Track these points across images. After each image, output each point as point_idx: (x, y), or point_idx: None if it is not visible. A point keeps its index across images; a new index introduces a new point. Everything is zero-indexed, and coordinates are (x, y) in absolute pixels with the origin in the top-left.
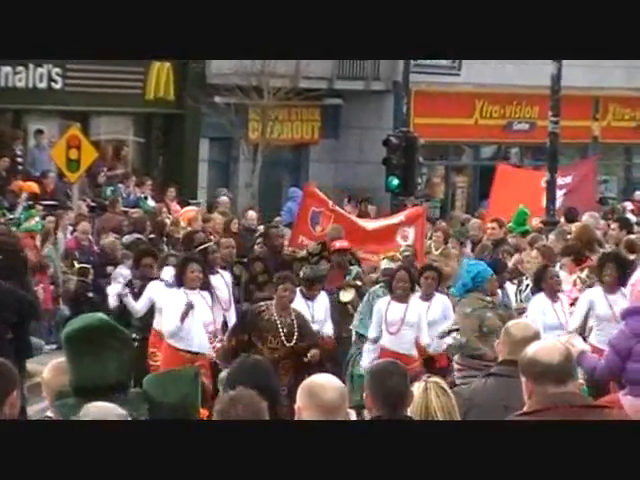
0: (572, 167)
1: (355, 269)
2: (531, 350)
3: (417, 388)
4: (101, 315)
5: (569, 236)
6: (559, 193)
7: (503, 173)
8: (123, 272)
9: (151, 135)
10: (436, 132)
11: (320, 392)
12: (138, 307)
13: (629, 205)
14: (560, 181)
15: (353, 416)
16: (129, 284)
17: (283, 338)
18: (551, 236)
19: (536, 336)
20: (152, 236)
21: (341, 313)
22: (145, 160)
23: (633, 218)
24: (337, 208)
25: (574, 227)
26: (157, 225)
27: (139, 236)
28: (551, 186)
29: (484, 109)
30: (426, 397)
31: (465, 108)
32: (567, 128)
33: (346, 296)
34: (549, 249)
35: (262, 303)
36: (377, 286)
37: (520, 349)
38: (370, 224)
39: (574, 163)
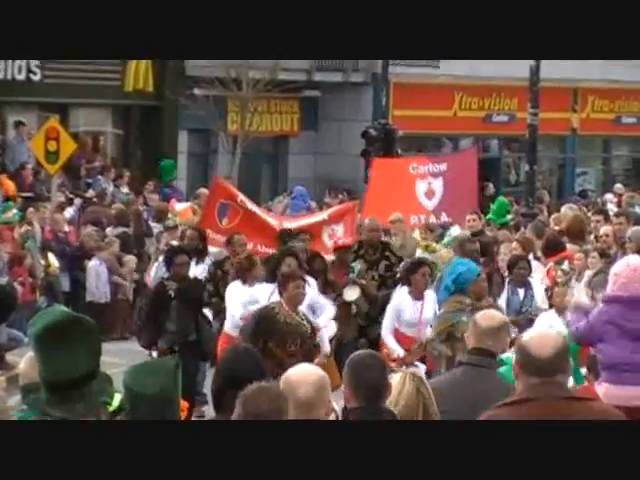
0: (447, 156)
1: (357, 266)
2: (526, 337)
3: (395, 379)
4: (62, 309)
5: (556, 227)
6: (435, 181)
7: (378, 166)
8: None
9: (130, 127)
10: (415, 124)
11: (294, 388)
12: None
13: (611, 197)
14: (433, 168)
15: (336, 406)
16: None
17: (299, 340)
18: (528, 230)
19: (503, 326)
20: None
21: (344, 313)
22: (124, 152)
23: (614, 210)
24: (247, 204)
25: (552, 219)
26: (136, 216)
27: (125, 229)
28: (531, 177)
29: (463, 101)
30: (403, 388)
31: (444, 100)
32: (546, 120)
33: (351, 295)
34: (529, 240)
35: (271, 304)
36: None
37: (486, 338)
38: (286, 222)
39: (451, 153)
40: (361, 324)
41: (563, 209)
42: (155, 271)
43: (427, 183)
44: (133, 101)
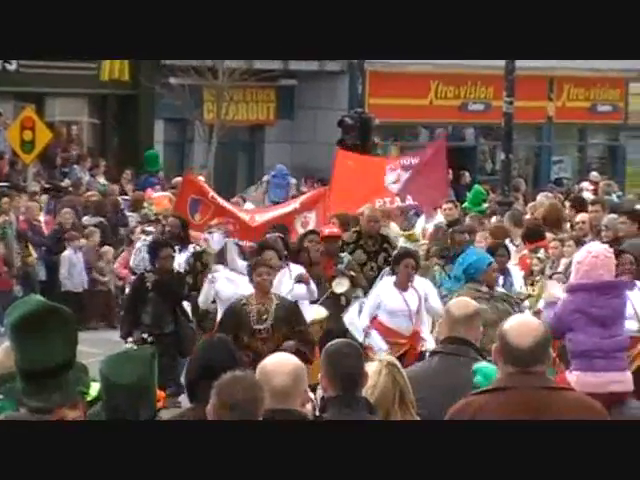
0: (420, 152)
1: (346, 257)
2: (507, 325)
3: (372, 368)
4: (38, 298)
5: (528, 216)
6: (404, 173)
7: (343, 157)
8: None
9: (106, 116)
10: (391, 113)
11: (270, 377)
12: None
13: (588, 185)
14: (405, 161)
15: (312, 395)
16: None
17: (270, 324)
18: (505, 219)
19: (476, 314)
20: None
21: (333, 305)
22: (100, 142)
23: (590, 197)
24: (218, 199)
25: (529, 208)
26: (113, 205)
27: (101, 219)
28: (507, 165)
29: (439, 90)
30: (379, 377)
31: (420, 89)
32: (522, 109)
33: (340, 287)
34: (500, 229)
35: (241, 296)
36: (387, 268)
37: (459, 327)
38: (258, 216)
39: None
40: None
41: (539, 197)
42: (132, 259)
43: (396, 174)
44: (109, 90)
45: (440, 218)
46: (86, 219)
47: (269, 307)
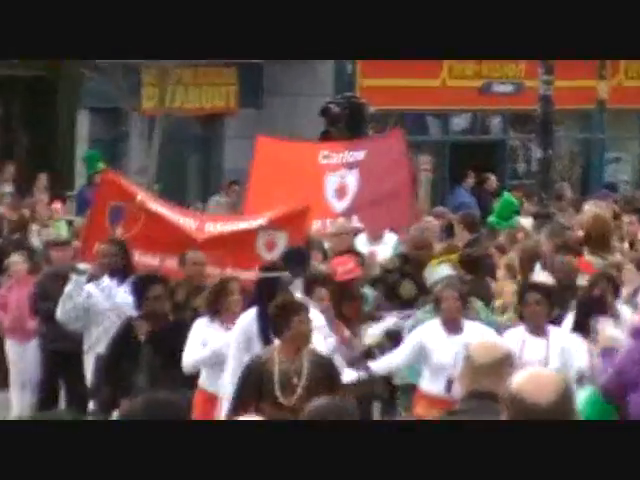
0: (367, 141)
1: (370, 294)
2: (517, 381)
3: None
4: None
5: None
6: (349, 174)
7: (263, 145)
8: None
9: (12, 106)
10: (391, 98)
11: None
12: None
13: None
14: (349, 156)
15: None
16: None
17: (302, 390)
18: (542, 235)
19: (503, 361)
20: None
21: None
22: (4, 138)
23: None
24: (149, 204)
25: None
26: (19, 222)
27: None
28: (545, 165)
29: (454, 67)
30: None
31: (429, 66)
32: (564, 90)
33: (371, 337)
34: (529, 252)
35: (264, 350)
36: (420, 311)
37: (482, 378)
38: (210, 225)
39: (372, 136)
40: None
41: (587, 207)
42: (60, 308)
43: (339, 177)
44: (16, 72)
45: (392, 239)
46: None
47: (301, 366)
